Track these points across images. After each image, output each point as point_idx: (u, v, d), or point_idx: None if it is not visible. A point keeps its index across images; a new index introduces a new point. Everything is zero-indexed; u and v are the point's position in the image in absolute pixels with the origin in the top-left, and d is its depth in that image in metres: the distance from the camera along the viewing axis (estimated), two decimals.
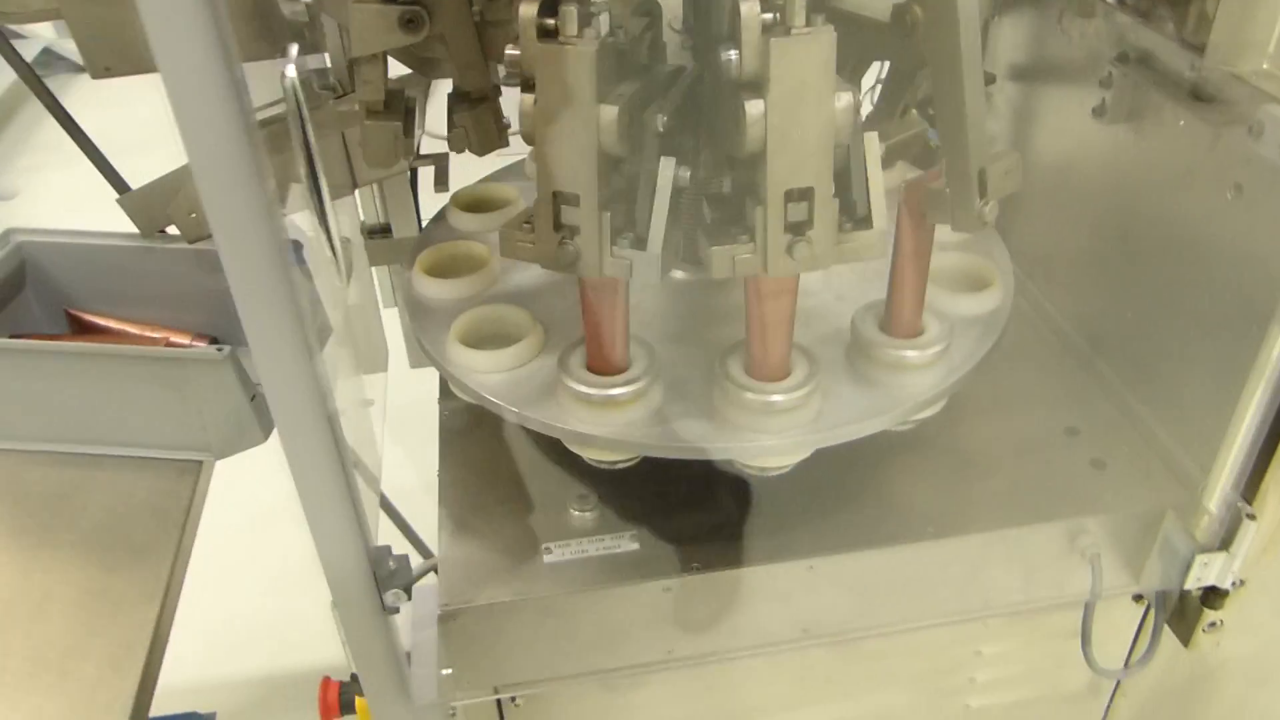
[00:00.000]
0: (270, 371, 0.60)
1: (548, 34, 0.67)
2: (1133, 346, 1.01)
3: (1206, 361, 0.90)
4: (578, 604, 0.88)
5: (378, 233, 1.20)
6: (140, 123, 1.53)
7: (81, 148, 1.17)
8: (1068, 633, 1.03)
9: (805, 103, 0.66)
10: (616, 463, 0.89)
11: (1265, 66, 0.80)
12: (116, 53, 1.13)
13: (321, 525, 0.67)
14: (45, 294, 1.25)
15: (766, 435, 0.83)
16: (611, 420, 0.84)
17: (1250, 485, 0.83)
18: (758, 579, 0.90)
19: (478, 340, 0.92)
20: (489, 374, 0.90)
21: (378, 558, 0.72)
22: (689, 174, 0.70)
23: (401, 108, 0.92)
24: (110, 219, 1.23)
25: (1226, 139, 0.84)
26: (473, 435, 1.04)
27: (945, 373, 0.88)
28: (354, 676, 0.85)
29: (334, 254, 0.64)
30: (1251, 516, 0.83)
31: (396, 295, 1.27)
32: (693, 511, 0.94)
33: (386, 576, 0.73)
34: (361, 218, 1.22)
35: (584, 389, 0.83)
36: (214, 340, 1.25)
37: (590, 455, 0.88)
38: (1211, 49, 0.81)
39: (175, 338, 1.24)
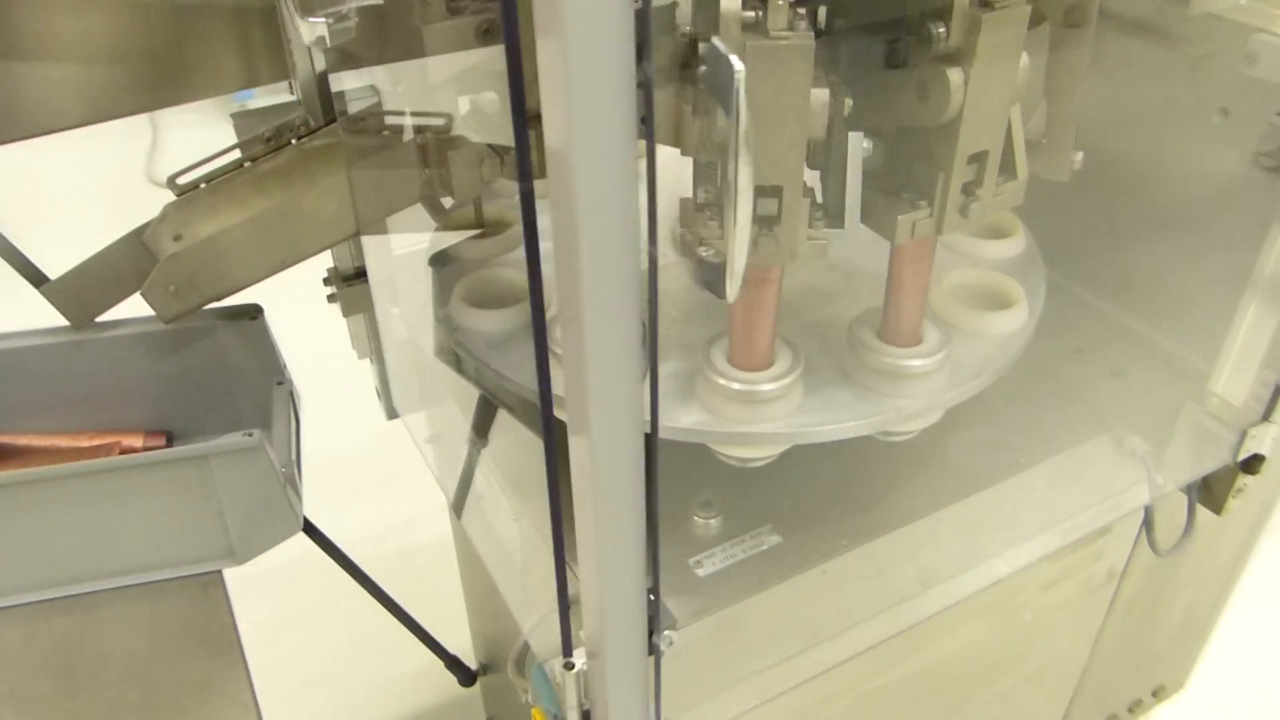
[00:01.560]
0: (602, 386, 0.54)
1: (747, 28, 0.65)
2: (1112, 269, 1.13)
3: (1204, 266, 1.03)
4: (749, 609, 0.86)
5: (353, 278, 1.08)
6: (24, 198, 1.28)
7: None
8: (1098, 531, 1.15)
9: (1000, 73, 0.69)
10: (750, 460, 0.88)
11: (1242, 2, 0.93)
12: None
13: (611, 557, 0.62)
14: None
15: (910, 400, 0.85)
16: (772, 414, 0.83)
17: None
18: (897, 542, 0.92)
19: None
20: None
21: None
22: (872, 148, 0.71)
23: None
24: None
25: (1207, 70, 0.97)
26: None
27: (1027, 318, 0.95)
28: None
29: (730, 272, 0.58)
30: None
31: (371, 344, 1.15)
32: (812, 491, 0.95)
33: (656, 618, 0.68)
34: (333, 264, 1.10)
35: (749, 386, 0.81)
36: (168, 435, 1.09)
37: (741, 454, 0.86)
38: None
39: (127, 441, 1.06)
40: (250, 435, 0.92)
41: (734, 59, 0.51)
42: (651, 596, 0.67)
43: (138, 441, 1.07)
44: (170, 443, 1.08)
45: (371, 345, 1.14)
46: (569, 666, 0.72)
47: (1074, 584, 1.20)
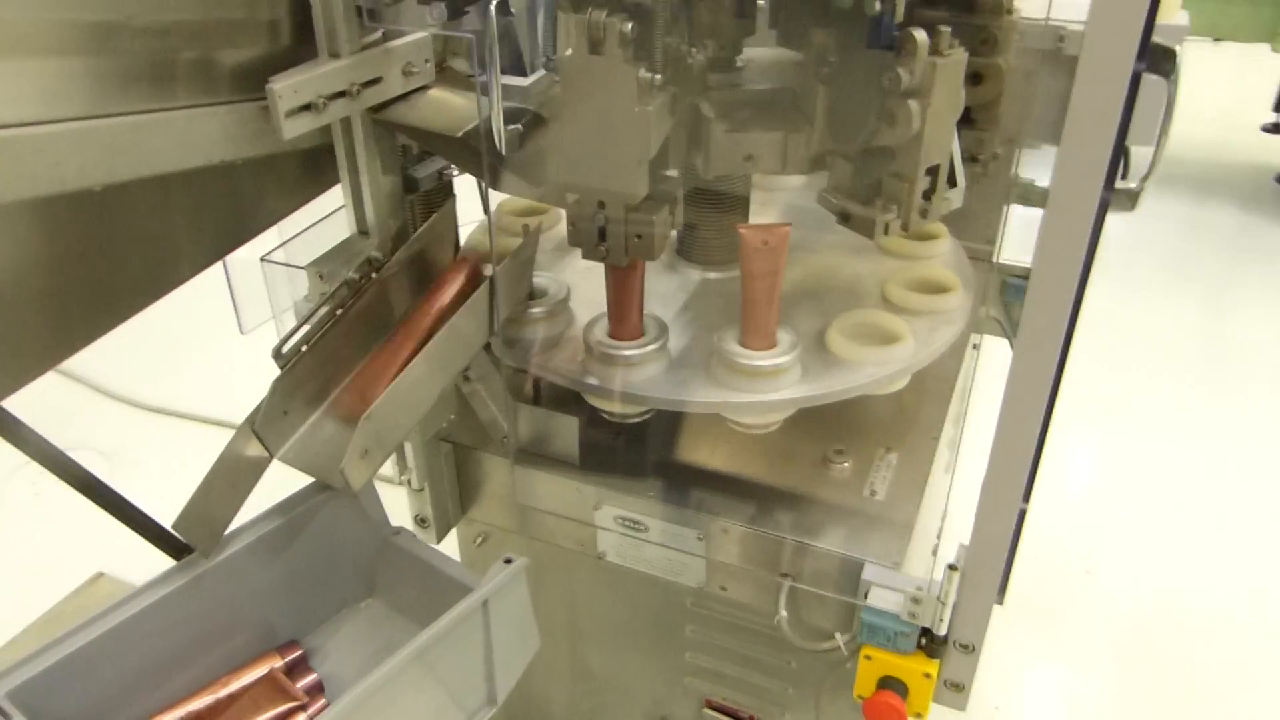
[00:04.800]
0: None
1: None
2: None
3: None
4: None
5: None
6: None
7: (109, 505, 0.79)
8: None
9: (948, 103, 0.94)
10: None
11: None
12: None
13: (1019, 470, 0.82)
14: None
15: None
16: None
17: None
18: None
19: None
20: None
21: None
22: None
23: None
24: None
25: None
26: None
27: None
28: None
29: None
30: None
31: (430, 468, 1.08)
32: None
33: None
34: None
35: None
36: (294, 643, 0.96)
37: None
38: None
39: (267, 666, 0.92)
40: (510, 560, 0.89)
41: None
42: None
43: (277, 662, 0.93)
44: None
45: (429, 469, 1.10)
46: (954, 568, 0.89)
47: None
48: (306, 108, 0.82)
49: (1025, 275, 1.39)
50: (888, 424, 1.17)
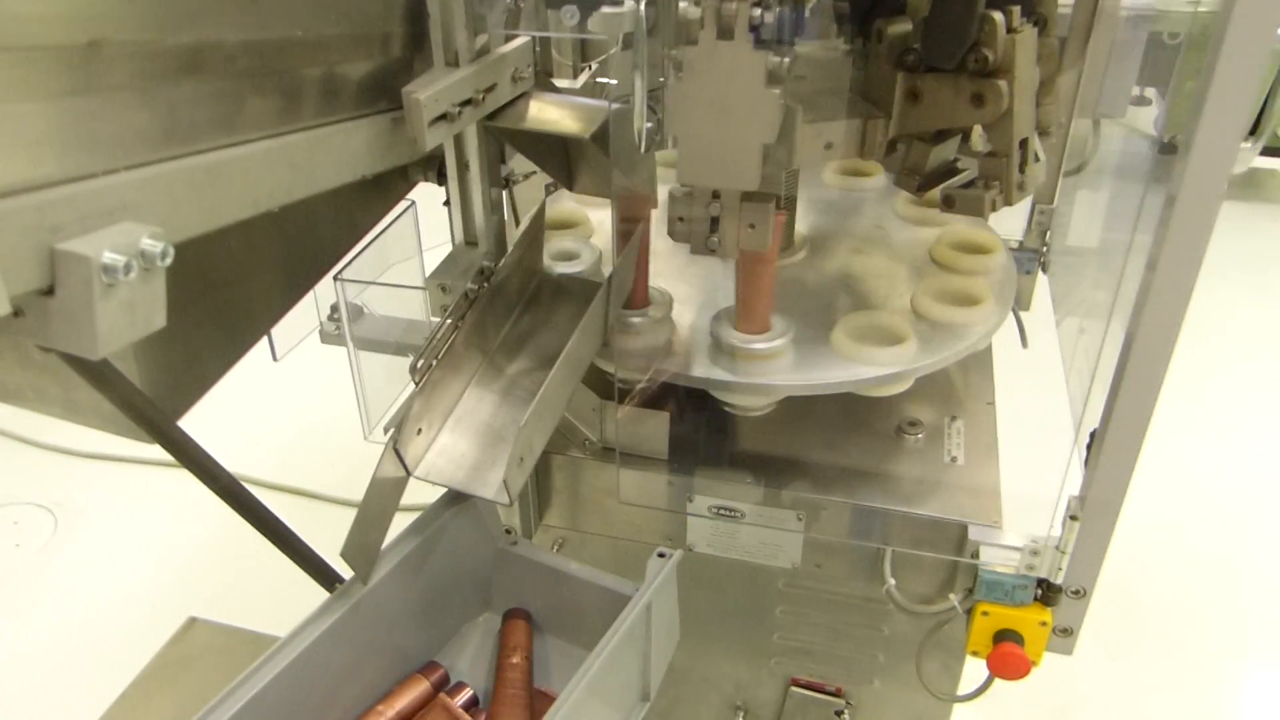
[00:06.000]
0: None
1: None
2: None
3: None
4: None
5: None
6: None
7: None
8: None
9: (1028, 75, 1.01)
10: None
11: None
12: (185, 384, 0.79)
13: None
14: None
15: None
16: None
17: None
18: None
19: None
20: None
21: None
22: None
23: None
24: None
25: None
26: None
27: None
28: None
29: None
30: None
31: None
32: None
33: None
34: None
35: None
36: (435, 665, 0.94)
37: None
38: None
39: (417, 691, 0.90)
40: (664, 554, 0.90)
41: None
42: None
43: (424, 685, 0.91)
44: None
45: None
46: (1074, 518, 0.94)
47: None
48: (443, 117, 0.80)
49: (1019, 247, 1.54)
50: (945, 393, 1.23)
